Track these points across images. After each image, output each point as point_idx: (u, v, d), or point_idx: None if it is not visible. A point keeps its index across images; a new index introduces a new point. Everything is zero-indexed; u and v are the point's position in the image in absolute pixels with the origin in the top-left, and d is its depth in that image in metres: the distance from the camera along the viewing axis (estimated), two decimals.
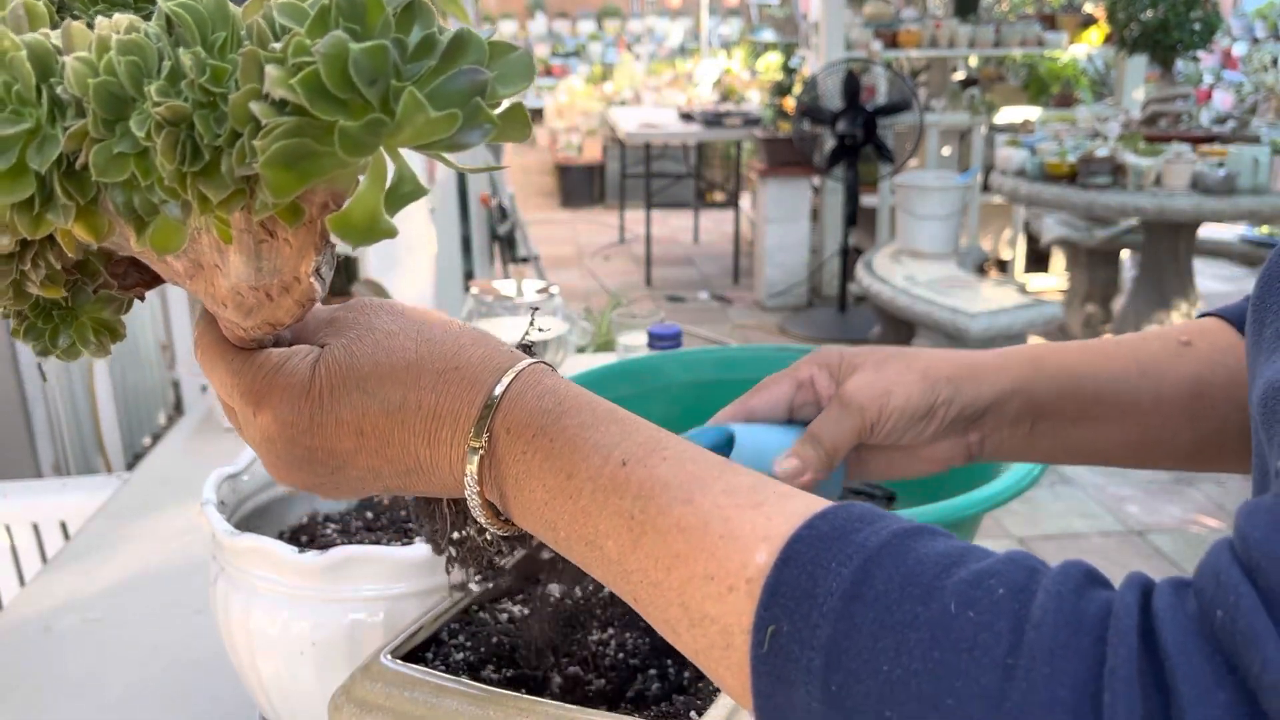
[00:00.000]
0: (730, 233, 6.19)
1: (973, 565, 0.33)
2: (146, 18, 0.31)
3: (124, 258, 0.42)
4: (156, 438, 3.16)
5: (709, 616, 0.36)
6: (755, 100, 7.01)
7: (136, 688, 0.89)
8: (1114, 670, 0.29)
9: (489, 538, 0.48)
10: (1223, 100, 6.30)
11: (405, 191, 0.30)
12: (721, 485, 0.38)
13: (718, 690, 0.55)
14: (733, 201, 6.36)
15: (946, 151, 5.38)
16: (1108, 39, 4.76)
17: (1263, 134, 4.09)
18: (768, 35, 7.92)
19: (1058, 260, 5.42)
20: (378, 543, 0.76)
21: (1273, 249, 0.51)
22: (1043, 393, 0.58)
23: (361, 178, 0.30)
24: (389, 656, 0.56)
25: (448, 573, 0.55)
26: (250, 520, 0.79)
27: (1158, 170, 3.66)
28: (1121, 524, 3.09)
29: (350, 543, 0.75)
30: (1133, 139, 3.95)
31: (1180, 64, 4.35)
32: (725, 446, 0.58)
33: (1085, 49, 5.74)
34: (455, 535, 0.50)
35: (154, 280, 0.44)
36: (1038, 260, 5.54)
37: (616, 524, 0.38)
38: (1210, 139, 4.05)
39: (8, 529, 1.45)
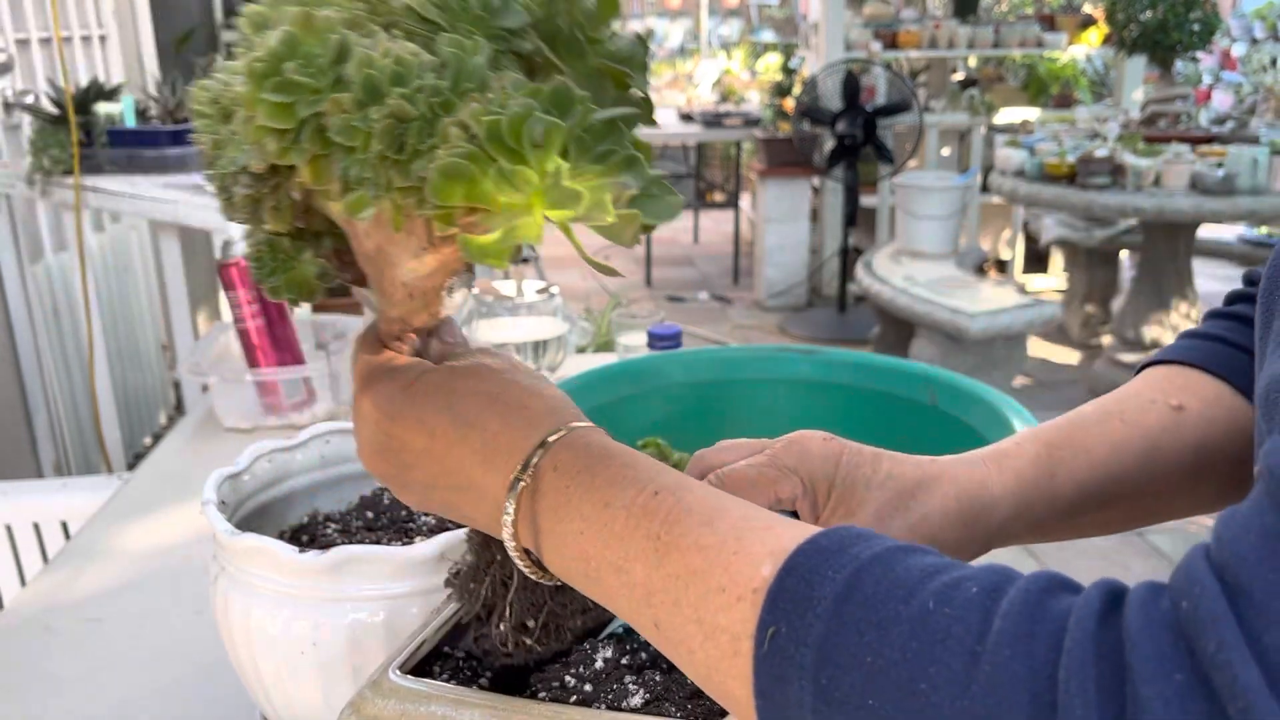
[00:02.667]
0: (730, 233, 6.19)
1: (954, 573, 0.36)
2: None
3: (352, 260, 0.51)
4: (157, 438, 3.16)
5: (720, 627, 0.39)
6: (755, 101, 7.02)
7: (136, 688, 0.89)
8: (1070, 650, 0.31)
9: (502, 630, 0.52)
10: (1222, 101, 6.30)
11: (523, 235, 0.38)
12: (740, 512, 0.42)
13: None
14: (732, 202, 6.36)
15: (946, 152, 5.38)
16: (1107, 40, 4.76)
17: (1262, 134, 4.10)
18: (767, 36, 7.92)
19: (1057, 260, 5.43)
20: (378, 543, 0.76)
21: (1277, 244, 0.51)
22: (1051, 517, 0.57)
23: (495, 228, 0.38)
24: (398, 672, 0.55)
25: (475, 642, 0.56)
26: (251, 520, 0.79)
27: (1157, 171, 3.66)
28: None
29: (350, 543, 0.75)
30: (1132, 139, 3.96)
31: (1179, 65, 4.35)
32: None
33: (1084, 50, 5.74)
34: (491, 620, 0.53)
35: (360, 281, 0.51)
36: (1037, 260, 5.54)
37: (644, 547, 0.42)
38: (1209, 139, 4.05)
39: (8, 529, 1.46)
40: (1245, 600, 0.30)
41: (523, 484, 0.45)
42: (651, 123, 0.41)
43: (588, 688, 0.55)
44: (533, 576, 0.47)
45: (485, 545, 0.53)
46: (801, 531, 0.39)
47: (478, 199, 0.37)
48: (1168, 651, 0.30)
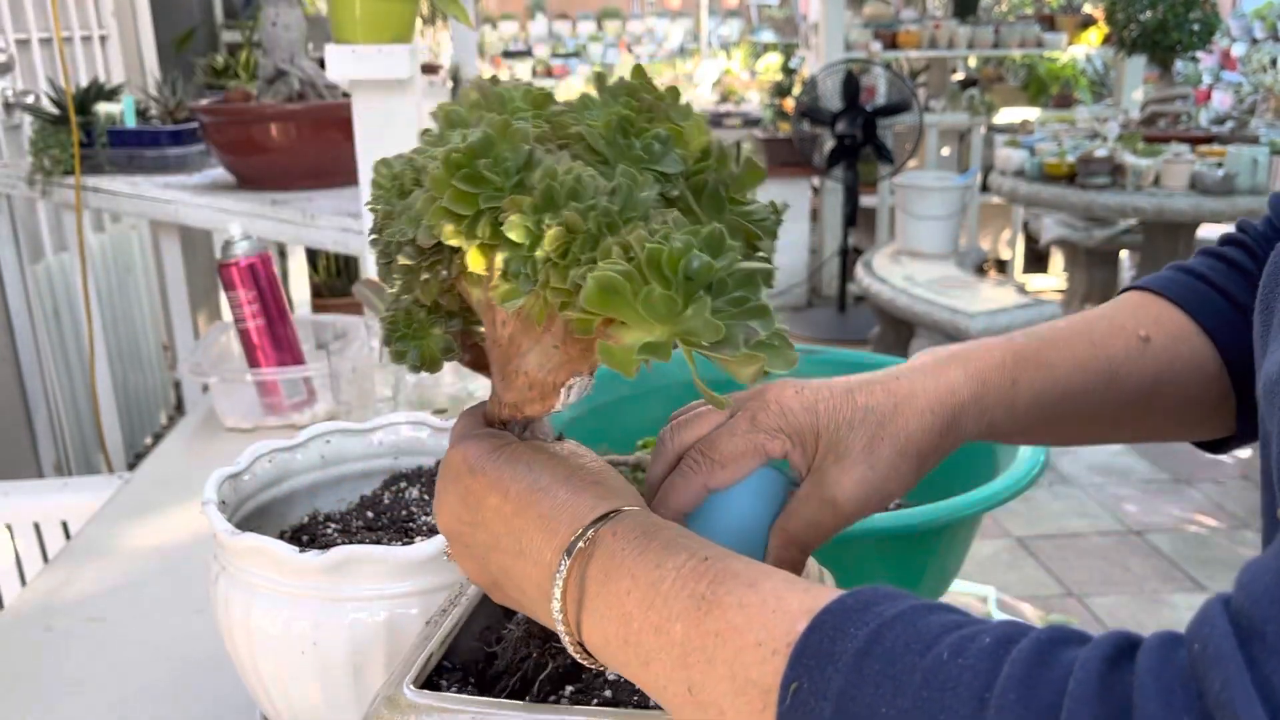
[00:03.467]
0: None
1: (972, 628, 0.36)
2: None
3: (475, 345, 0.56)
4: (158, 438, 3.16)
5: (751, 680, 0.39)
6: (755, 101, 7.01)
7: (136, 687, 0.89)
8: (1073, 692, 0.32)
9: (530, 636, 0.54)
10: (1221, 101, 6.30)
11: (653, 352, 0.41)
12: (782, 576, 0.43)
13: None
14: None
15: (946, 152, 5.38)
16: (1107, 40, 4.76)
17: (1261, 134, 4.10)
18: (767, 36, 7.91)
19: (1057, 260, 5.43)
20: (378, 543, 0.76)
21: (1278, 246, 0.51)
22: (1010, 426, 0.58)
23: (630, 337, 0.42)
24: (412, 688, 0.54)
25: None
26: (251, 520, 0.79)
27: (1156, 170, 3.66)
28: (1120, 524, 3.09)
29: (351, 543, 0.75)
30: (1132, 139, 3.96)
31: (1179, 64, 4.35)
32: None
33: (1084, 50, 5.74)
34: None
35: (480, 364, 0.56)
36: (1037, 260, 5.54)
37: (688, 606, 0.42)
38: (1209, 139, 4.05)
39: (9, 529, 1.46)
40: (1258, 641, 0.29)
41: (580, 546, 0.46)
42: (771, 285, 0.45)
43: (608, 693, 0.55)
44: (571, 651, 0.48)
45: (525, 642, 0.56)
46: (839, 593, 0.40)
47: (623, 313, 0.41)
48: (1177, 692, 0.30)
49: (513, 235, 0.43)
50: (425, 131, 0.52)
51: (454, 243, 0.46)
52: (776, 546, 0.54)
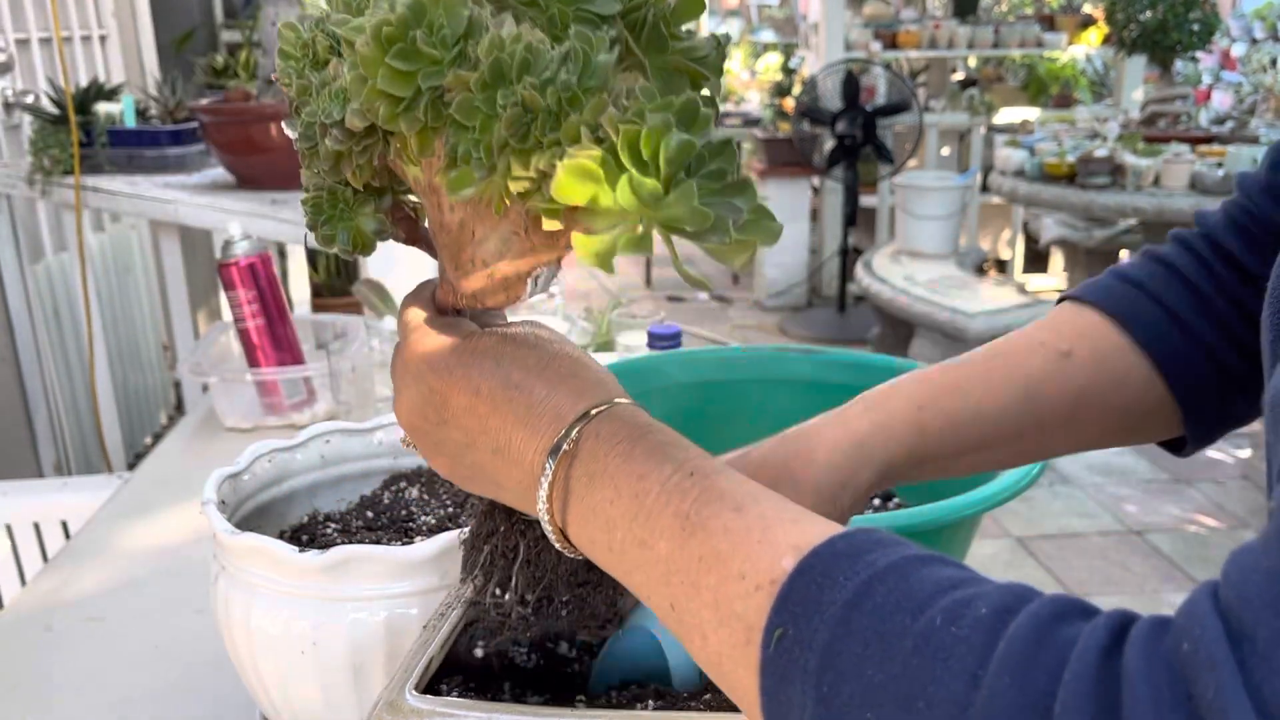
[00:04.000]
0: None
1: (969, 590, 0.35)
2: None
3: (406, 216, 0.51)
4: (157, 438, 3.16)
5: (735, 614, 0.38)
6: (755, 100, 7.01)
7: (136, 687, 0.89)
8: (1068, 684, 0.31)
9: (504, 604, 0.52)
10: (1221, 101, 6.30)
11: (635, 245, 0.37)
12: (770, 501, 0.41)
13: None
14: None
15: (946, 152, 5.38)
16: (1106, 39, 4.76)
17: (1261, 134, 4.09)
18: (767, 36, 7.92)
19: (1057, 260, 5.43)
20: (378, 542, 0.76)
21: None
22: (926, 449, 0.59)
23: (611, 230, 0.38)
24: (414, 693, 0.54)
25: (466, 609, 0.56)
26: (251, 520, 0.79)
27: (1156, 170, 3.66)
28: (1120, 523, 3.09)
29: (350, 542, 0.75)
30: (1132, 139, 3.96)
31: (1179, 64, 4.35)
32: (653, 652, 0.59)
33: (1084, 50, 5.74)
34: (487, 589, 0.53)
35: (412, 242, 0.52)
36: (1037, 260, 5.54)
37: (672, 524, 0.41)
38: (1209, 139, 4.05)
39: (9, 528, 1.46)
40: (1249, 645, 0.29)
41: (565, 448, 0.45)
42: (740, 152, 0.42)
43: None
44: (556, 544, 0.47)
45: (489, 514, 0.54)
46: (827, 528, 0.39)
47: (599, 203, 0.37)
48: (1165, 695, 0.29)
49: (461, 117, 0.39)
50: None
51: (391, 127, 0.42)
52: None
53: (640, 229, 0.37)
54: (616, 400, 0.47)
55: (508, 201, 0.41)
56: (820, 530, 0.39)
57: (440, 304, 0.52)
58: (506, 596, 0.53)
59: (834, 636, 0.35)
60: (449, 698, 0.54)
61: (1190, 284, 0.61)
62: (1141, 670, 0.30)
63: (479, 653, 0.59)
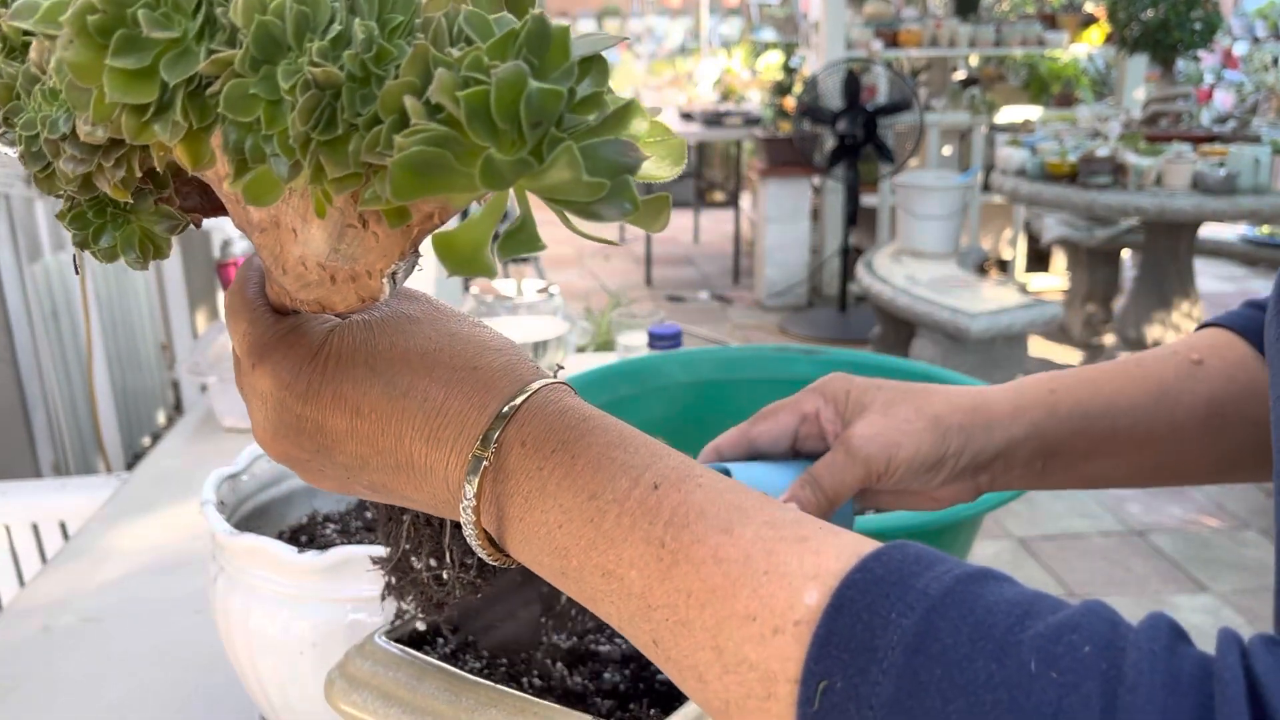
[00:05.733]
0: (730, 232, 6.18)
1: (1049, 617, 0.30)
2: None
3: (195, 180, 0.40)
4: (156, 438, 3.16)
5: (748, 662, 0.33)
6: (755, 100, 7.01)
7: (136, 687, 0.89)
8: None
9: (444, 576, 0.48)
10: (1223, 100, 6.30)
11: (521, 238, 0.29)
12: (763, 517, 0.35)
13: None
14: (733, 201, 6.35)
15: (947, 151, 5.38)
16: (1108, 38, 4.76)
17: (1263, 134, 4.09)
18: (768, 35, 7.91)
19: (1058, 260, 5.42)
20: (377, 543, 0.76)
21: None
22: (1056, 434, 0.57)
23: (477, 205, 0.29)
24: (382, 637, 0.57)
25: (381, 599, 0.53)
26: (250, 520, 0.79)
27: (1158, 170, 3.65)
28: (1122, 524, 3.09)
29: (350, 543, 0.75)
30: (1133, 139, 3.95)
31: (1181, 64, 4.35)
32: None
33: (1086, 49, 5.74)
34: (413, 562, 0.49)
35: (215, 211, 0.41)
36: (1038, 260, 5.54)
37: (644, 552, 0.35)
38: (1211, 139, 4.05)
39: (7, 529, 1.45)
40: None
41: (485, 463, 0.37)
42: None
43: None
44: (494, 563, 0.40)
45: None
46: (844, 546, 0.33)
47: (454, 193, 0.28)
48: None
49: (234, 114, 0.29)
50: None
51: (146, 140, 0.31)
52: (794, 485, 0.55)
53: (520, 213, 0.29)
54: (531, 386, 0.39)
55: (329, 203, 0.33)
56: (836, 549, 0.33)
57: (275, 304, 0.42)
58: (445, 572, 0.47)
59: (901, 691, 0.30)
60: (404, 648, 0.56)
61: None
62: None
63: (421, 626, 0.60)
